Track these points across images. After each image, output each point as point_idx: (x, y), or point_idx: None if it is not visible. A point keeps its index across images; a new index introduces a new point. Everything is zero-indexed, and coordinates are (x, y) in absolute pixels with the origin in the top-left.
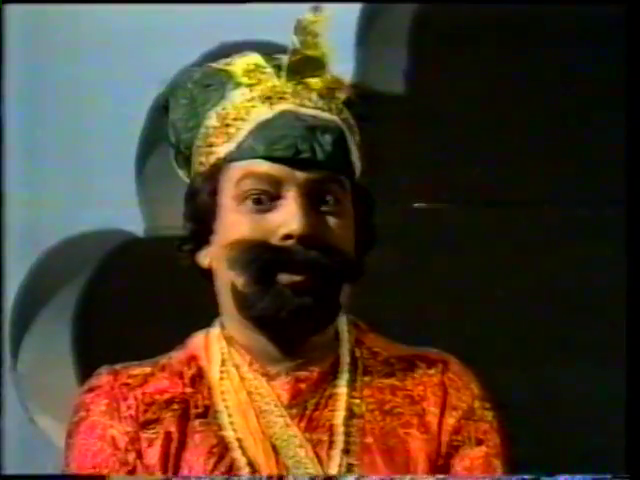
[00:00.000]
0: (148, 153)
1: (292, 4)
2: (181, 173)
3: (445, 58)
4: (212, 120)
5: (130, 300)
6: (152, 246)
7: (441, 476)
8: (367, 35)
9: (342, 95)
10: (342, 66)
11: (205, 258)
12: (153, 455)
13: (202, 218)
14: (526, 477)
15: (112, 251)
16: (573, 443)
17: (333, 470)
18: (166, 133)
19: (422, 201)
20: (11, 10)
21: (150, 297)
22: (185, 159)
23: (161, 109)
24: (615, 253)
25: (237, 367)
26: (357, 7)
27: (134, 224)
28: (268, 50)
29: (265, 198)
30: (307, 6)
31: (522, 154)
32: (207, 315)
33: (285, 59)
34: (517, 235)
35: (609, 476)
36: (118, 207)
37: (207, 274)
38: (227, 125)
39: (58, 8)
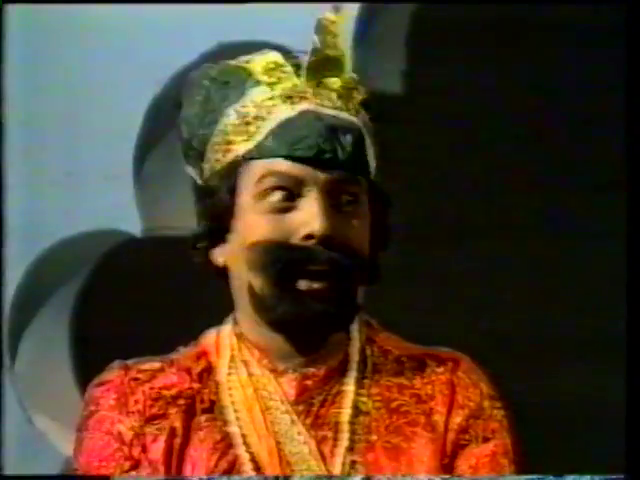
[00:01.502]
0: (146, 153)
1: (291, 4)
2: (190, 170)
3: (445, 58)
4: (231, 118)
5: (128, 300)
6: (150, 246)
7: (447, 476)
8: (366, 35)
9: (359, 96)
10: None
11: (220, 256)
12: (157, 450)
13: (219, 216)
14: (533, 477)
15: (110, 251)
16: (573, 443)
17: (336, 467)
18: (178, 130)
19: (422, 200)
20: (11, 10)
21: (148, 297)
22: (198, 155)
23: (174, 106)
24: (615, 253)
25: (246, 363)
26: (356, 7)
27: (132, 224)
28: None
29: (285, 197)
30: (324, 6)
31: (522, 153)
32: (206, 314)
33: (305, 58)
34: (518, 235)
35: (614, 476)
36: (116, 207)
37: (221, 272)
38: (247, 123)
39: (58, 8)
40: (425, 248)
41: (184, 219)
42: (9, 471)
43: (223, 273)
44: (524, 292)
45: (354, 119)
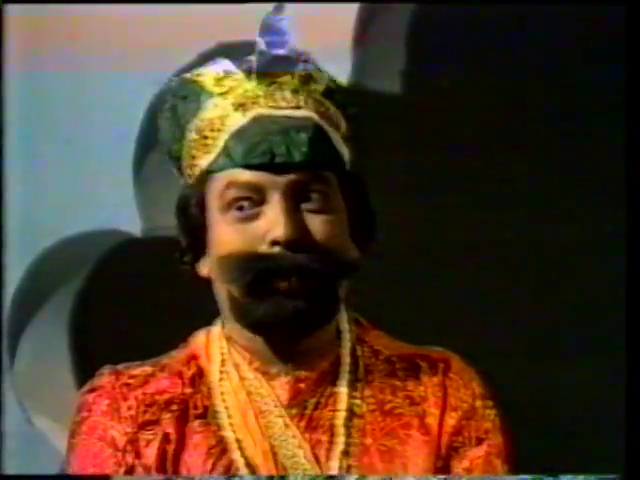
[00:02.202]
0: (146, 153)
1: (291, 4)
2: (182, 181)
3: (444, 58)
4: (191, 133)
5: (127, 300)
6: (149, 246)
7: (442, 476)
8: (365, 35)
9: (320, 87)
10: (341, 66)
11: (204, 268)
12: (150, 455)
13: (193, 231)
14: (528, 477)
15: (109, 251)
16: (572, 443)
17: (332, 471)
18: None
19: (422, 201)
20: (11, 10)
21: (147, 297)
22: (178, 167)
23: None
24: (615, 253)
25: (237, 367)
26: (355, 7)
27: (131, 224)
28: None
29: (248, 206)
30: (323, 6)
31: (521, 153)
32: (205, 316)
33: (253, 62)
34: (517, 234)
35: (610, 476)
36: (116, 208)
37: (207, 283)
38: (205, 137)
39: (58, 8)
40: (424, 248)
41: None
42: (9, 471)
43: (209, 284)
44: (523, 292)
45: (312, 114)
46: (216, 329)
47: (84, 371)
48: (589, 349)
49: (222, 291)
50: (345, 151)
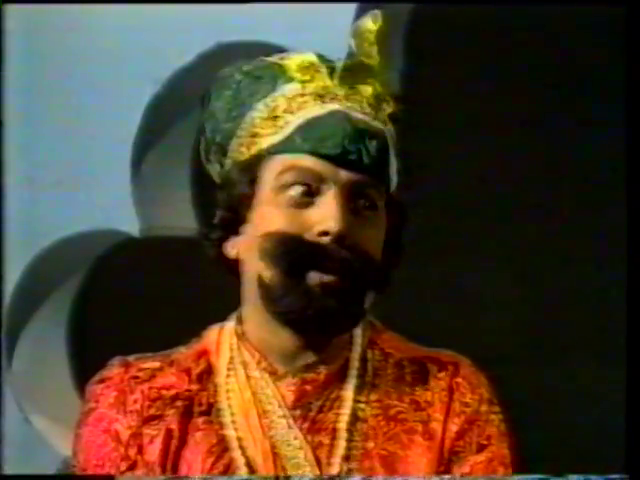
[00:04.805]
0: (144, 153)
1: (291, 4)
2: (210, 168)
3: (444, 58)
4: (259, 111)
5: (126, 300)
6: (148, 246)
7: (445, 476)
8: None
9: (389, 108)
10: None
11: (233, 248)
12: (153, 452)
13: (237, 207)
14: (532, 477)
15: (108, 251)
16: (572, 442)
17: (332, 474)
18: (200, 128)
19: (423, 201)
20: (11, 10)
21: (145, 297)
22: (220, 150)
23: (200, 103)
24: (615, 253)
25: (245, 365)
26: (354, 7)
27: (130, 225)
28: (269, 51)
29: (305, 193)
30: (325, 7)
31: (522, 152)
32: (204, 315)
33: (339, 63)
34: (519, 234)
35: (614, 476)
36: (115, 208)
37: (232, 267)
38: (275, 117)
39: (58, 8)
40: (425, 250)
41: (182, 219)
42: (9, 471)
43: (234, 268)
44: (524, 292)
45: (384, 128)
46: (230, 324)
47: (82, 371)
48: (589, 350)
49: (252, 274)
50: (394, 174)
